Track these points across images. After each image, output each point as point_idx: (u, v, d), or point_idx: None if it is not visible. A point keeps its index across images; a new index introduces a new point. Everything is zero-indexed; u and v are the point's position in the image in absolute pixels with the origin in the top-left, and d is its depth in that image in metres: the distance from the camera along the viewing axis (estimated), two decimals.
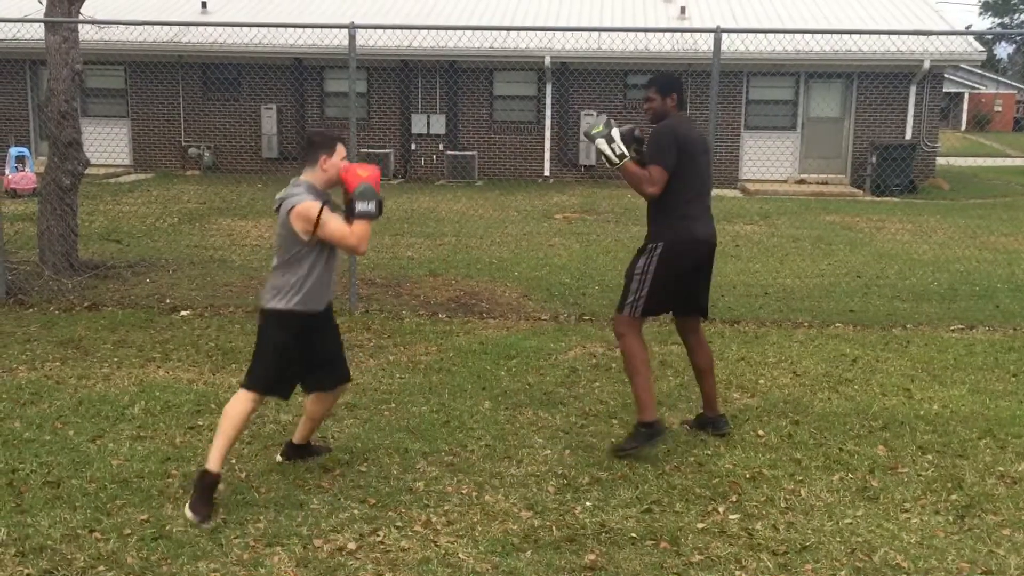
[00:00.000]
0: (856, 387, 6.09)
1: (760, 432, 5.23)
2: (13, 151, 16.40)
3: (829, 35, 18.38)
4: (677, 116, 4.92)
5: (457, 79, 20.26)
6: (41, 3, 9.28)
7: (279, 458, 4.69)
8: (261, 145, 20.75)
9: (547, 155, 20.66)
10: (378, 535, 3.96)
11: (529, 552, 3.84)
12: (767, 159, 19.29)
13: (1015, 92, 47.77)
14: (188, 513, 4.07)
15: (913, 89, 19.87)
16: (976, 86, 44.88)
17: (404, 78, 20.61)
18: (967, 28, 50.79)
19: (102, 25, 10.98)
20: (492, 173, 20.61)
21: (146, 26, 16.95)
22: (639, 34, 19.26)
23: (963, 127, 44.04)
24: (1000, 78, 50.42)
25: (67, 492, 4.31)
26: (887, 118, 20.14)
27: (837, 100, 20.56)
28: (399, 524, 4.07)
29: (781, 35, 18.50)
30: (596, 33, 19.58)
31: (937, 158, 21.05)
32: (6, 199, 14.89)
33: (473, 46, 19.09)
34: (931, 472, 4.71)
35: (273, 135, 20.56)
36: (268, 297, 4.24)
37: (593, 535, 3.99)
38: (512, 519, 4.13)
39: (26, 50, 19.03)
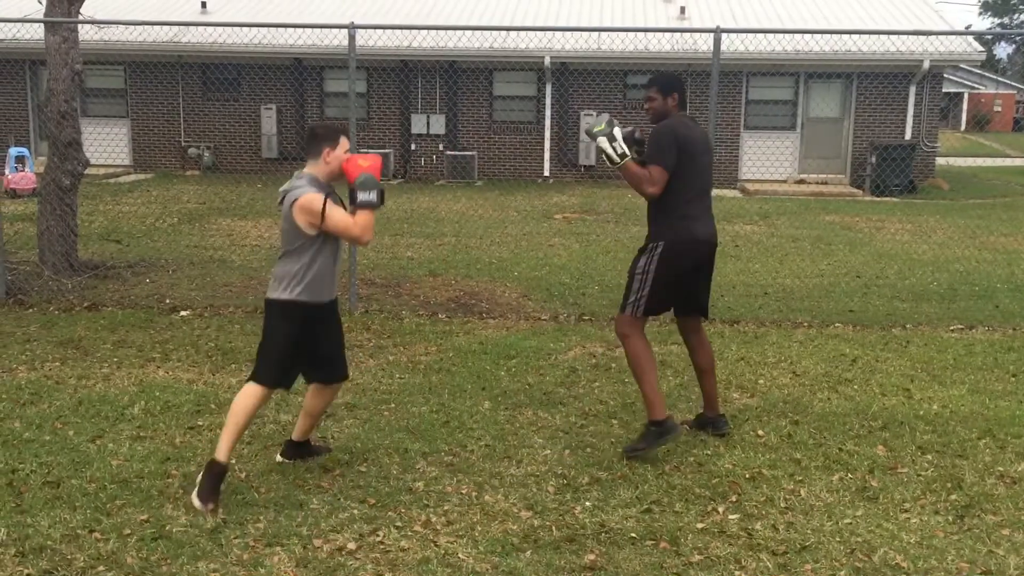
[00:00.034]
0: (856, 387, 6.09)
1: (760, 432, 5.23)
2: (13, 151, 16.41)
3: (829, 35, 18.38)
4: (678, 116, 4.92)
5: (457, 79, 20.26)
6: (41, 3, 9.28)
7: (279, 458, 4.70)
8: (261, 145, 20.75)
9: (547, 155, 20.66)
10: (378, 535, 3.96)
11: (529, 552, 3.84)
12: (767, 159, 19.30)
13: (1015, 92, 47.78)
14: (195, 501, 4.13)
15: (913, 89, 19.87)
16: (976, 86, 44.89)
17: (404, 78, 20.62)
18: (967, 28, 50.80)
19: (102, 25, 10.99)
20: (492, 173, 20.61)
21: (146, 26, 16.95)
22: (639, 34, 19.26)
23: (963, 127, 44.05)
24: (1000, 78, 50.44)
25: (67, 492, 4.31)
26: (887, 118, 20.15)
27: (837, 100, 20.57)
28: (399, 524, 4.07)
29: (781, 35, 18.50)
30: (596, 33, 19.59)
31: (937, 158, 21.05)
32: (6, 199, 14.89)
33: (473, 46, 19.09)
34: (931, 472, 4.71)
35: (273, 135, 20.56)
36: (272, 287, 4.30)
37: (593, 535, 3.99)
38: (512, 519, 4.13)
39: (26, 50, 19.03)
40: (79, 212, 9.40)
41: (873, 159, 19.05)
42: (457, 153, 20.42)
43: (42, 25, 9.10)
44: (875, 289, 9.31)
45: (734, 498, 4.38)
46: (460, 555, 3.80)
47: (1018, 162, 28.65)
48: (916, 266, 10.58)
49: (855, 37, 18.00)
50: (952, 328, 7.75)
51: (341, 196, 4.35)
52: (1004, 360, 6.76)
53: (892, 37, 18.28)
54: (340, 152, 4.24)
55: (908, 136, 19.97)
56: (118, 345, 6.83)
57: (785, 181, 19.98)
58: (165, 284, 8.94)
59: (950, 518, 4.21)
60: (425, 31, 19.40)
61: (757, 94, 20.51)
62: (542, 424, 5.34)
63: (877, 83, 19.94)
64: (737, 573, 3.71)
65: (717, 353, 6.46)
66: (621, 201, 15.91)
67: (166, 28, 19.31)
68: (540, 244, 11.73)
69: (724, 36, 7.71)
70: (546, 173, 20.65)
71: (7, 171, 16.12)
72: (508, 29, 9.42)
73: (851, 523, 4.13)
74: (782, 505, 4.31)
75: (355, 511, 4.17)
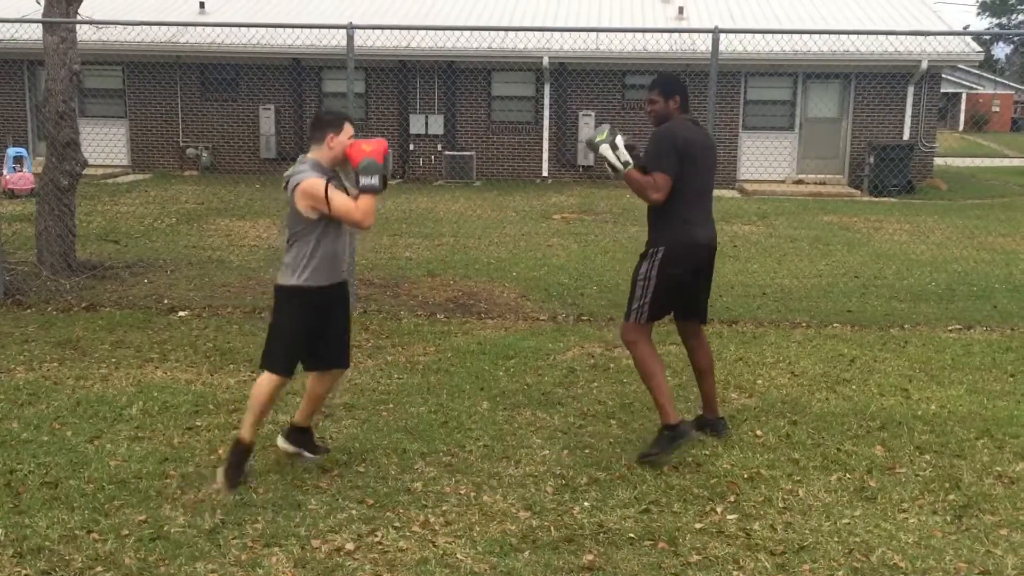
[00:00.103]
0: (854, 387, 6.09)
1: (758, 432, 5.23)
2: (11, 151, 16.40)
3: (827, 35, 18.37)
4: (679, 119, 4.89)
5: (455, 79, 20.26)
6: (39, 3, 9.28)
7: (280, 440, 4.68)
8: (259, 145, 20.75)
9: (545, 155, 20.66)
10: (376, 535, 3.96)
11: (527, 552, 3.84)
12: (765, 159, 19.31)
13: (1013, 92, 47.83)
14: (220, 477, 4.29)
15: (911, 89, 19.89)
16: (974, 86, 44.93)
17: (402, 78, 20.62)
18: (965, 28, 50.84)
19: (100, 25, 10.98)
20: (490, 173, 20.61)
21: (144, 26, 16.93)
22: (637, 34, 19.27)
23: (961, 127, 44.08)
24: (998, 78, 50.48)
25: (65, 493, 4.31)
26: (885, 118, 20.16)
27: (835, 100, 20.58)
28: (397, 524, 4.07)
29: (779, 35, 18.47)
30: (594, 33, 19.59)
31: (935, 158, 21.07)
32: (4, 199, 14.89)
33: (471, 46, 19.09)
34: (929, 472, 4.71)
35: (271, 135, 20.56)
36: (281, 274, 4.39)
37: (591, 535, 3.99)
38: (510, 519, 4.13)
39: (24, 50, 19.01)
40: (77, 212, 9.40)
41: (871, 159, 19.06)
42: (455, 153, 20.42)
43: (40, 25, 9.08)
44: (873, 289, 9.32)
45: (732, 498, 4.38)
46: (458, 555, 3.80)
47: (1016, 162, 28.67)
48: (914, 266, 10.59)
49: (853, 37, 18.01)
50: (950, 328, 7.75)
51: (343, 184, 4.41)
52: (1002, 360, 6.77)
53: (890, 37, 18.27)
54: (343, 138, 4.31)
55: (906, 136, 19.98)
56: (116, 345, 6.83)
57: (783, 181, 19.99)
58: (163, 284, 8.94)
59: (948, 518, 4.21)
60: (423, 31, 19.40)
61: (755, 94, 20.51)
62: (540, 424, 5.34)
63: (875, 83, 19.95)
64: (735, 573, 3.71)
65: (716, 353, 6.45)
66: (619, 201, 15.91)
67: (164, 28, 19.29)
68: (538, 244, 11.73)
69: (722, 36, 7.71)
70: (544, 173, 20.66)
71: (5, 171, 16.11)
72: (507, 29, 9.43)
73: (849, 523, 4.14)
74: (780, 505, 4.32)
75: (353, 511, 4.17)
